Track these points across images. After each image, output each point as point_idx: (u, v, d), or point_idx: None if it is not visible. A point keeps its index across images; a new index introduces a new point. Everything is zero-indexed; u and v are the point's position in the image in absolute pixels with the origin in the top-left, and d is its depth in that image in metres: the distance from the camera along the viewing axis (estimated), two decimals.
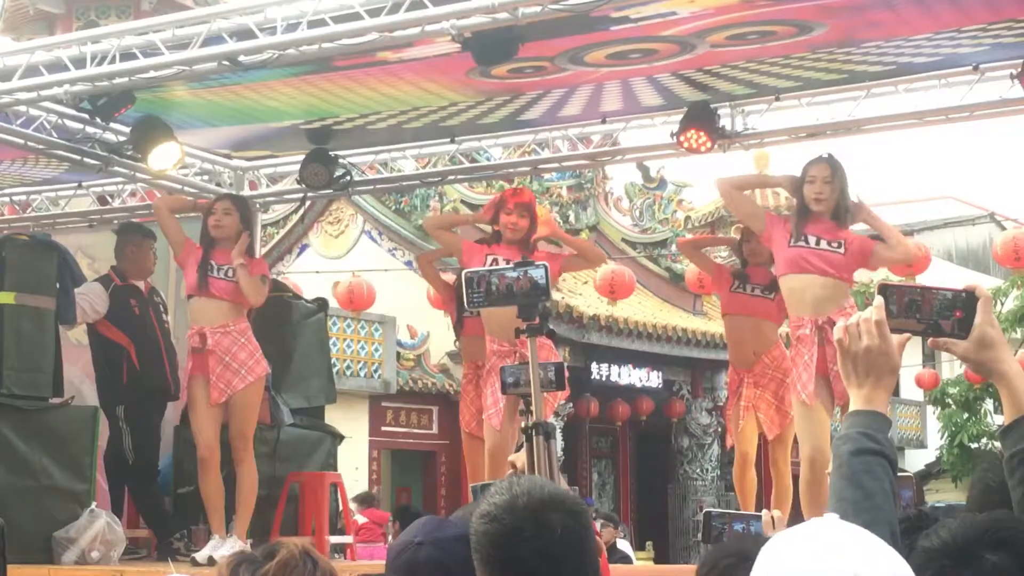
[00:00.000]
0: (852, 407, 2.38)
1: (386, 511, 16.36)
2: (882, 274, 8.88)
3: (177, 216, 8.61)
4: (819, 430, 7.37)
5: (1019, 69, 7.59)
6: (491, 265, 6.60)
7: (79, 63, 7.25)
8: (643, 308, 21.57)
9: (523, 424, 3.31)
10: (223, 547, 7.69)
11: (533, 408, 3.77)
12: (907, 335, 2.36)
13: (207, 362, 8.03)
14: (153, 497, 9.00)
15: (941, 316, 2.34)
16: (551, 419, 3.89)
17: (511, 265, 3.90)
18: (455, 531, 3.10)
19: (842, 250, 7.47)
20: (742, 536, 3.38)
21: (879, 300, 2.35)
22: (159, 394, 8.95)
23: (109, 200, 10.58)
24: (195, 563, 7.71)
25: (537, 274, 3.82)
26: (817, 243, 7.51)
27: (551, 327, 3.97)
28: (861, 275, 8.01)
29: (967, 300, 2.34)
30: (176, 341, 9.22)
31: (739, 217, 8.19)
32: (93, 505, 8.02)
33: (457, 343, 9.50)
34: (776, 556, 2.04)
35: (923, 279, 12.15)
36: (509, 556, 2.44)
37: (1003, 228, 26.85)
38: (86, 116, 8.14)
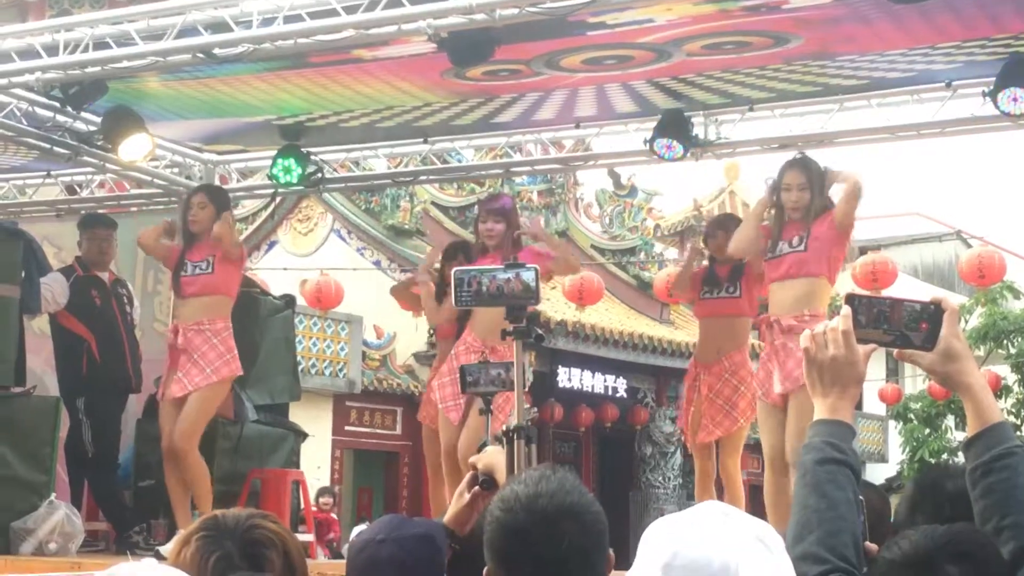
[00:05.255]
0: (817, 416, 2.38)
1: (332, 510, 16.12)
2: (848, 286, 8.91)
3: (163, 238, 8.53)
4: (779, 431, 7.33)
5: (991, 87, 7.63)
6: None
7: (52, 51, 7.19)
8: (610, 315, 21.59)
9: (504, 427, 3.26)
10: None
11: (515, 411, 3.72)
12: (873, 346, 2.37)
13: (178, 358, 8.03)
14: (112, 490, 8.93)
15: (908, 328, 2.35)
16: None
17: (503, 266, 3.85)
18: (417, 530, 3.10)
19: (803, 246, 7.35)
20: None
21: (847, 310, 2.36)
22: (120, 387, 8.86)
23: (77, 190, 10.50)
24: (159, 556, 7.64)
25: (528, 276, 3.79)
26: (782, 249, 7.48)
27: (539, 331, 3.91)
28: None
29: (934, 312, 2.35)
30: (141, 334, 9.15)
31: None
32: (52, 496, 7.94)
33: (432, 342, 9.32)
34: (659, 540, 2.07)
35: (888, 294, 12.18)
36: (509, 551, 2.39)
37: (969, 246, 27.05)
38: (57, 104, 8.09)
